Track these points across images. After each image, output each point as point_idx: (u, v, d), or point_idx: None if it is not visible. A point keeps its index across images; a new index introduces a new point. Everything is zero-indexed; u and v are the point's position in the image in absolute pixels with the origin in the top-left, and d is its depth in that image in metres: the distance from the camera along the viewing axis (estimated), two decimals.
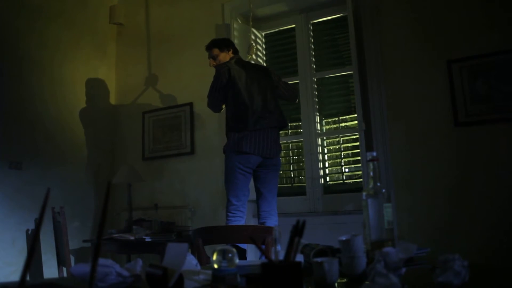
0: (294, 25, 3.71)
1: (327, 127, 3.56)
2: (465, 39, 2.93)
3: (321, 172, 3.43)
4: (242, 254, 2.64)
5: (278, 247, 0.88)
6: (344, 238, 1.01)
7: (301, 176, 3.57)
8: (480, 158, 2.80)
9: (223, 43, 3.01)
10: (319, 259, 0.94)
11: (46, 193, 0.80)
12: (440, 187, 2.90)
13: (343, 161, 3.45)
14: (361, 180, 3.26)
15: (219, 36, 3.79)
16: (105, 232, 3.76)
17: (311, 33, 3.65)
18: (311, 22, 3.66)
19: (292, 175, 3.64)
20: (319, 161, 3.44)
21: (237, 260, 1.01)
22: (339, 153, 3.47)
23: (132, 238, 3.25)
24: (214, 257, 1.00)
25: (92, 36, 4.11)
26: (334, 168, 3.50)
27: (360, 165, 3.28)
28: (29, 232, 3.30)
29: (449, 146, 2.90)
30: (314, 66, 3.58)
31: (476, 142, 2.82)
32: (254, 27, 3.76)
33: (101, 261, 1.09)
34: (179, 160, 3.86)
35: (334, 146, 3.50)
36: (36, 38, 3.57)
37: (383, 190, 1.09)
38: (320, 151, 3.47)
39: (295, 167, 3.64)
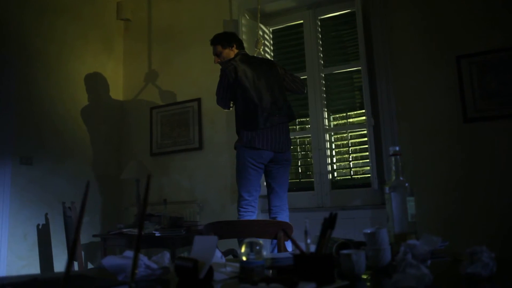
0: (302, 21, 3.72)
1: (335, 122, 3.58)
2: (474, 35, 2.94)
3: (329, 168, 3.45)
4: None
5: (308, 240, 0.90)
6: (368, 231, 1.03)
7: (309, 172, 3.59)
8: (489, 154, 2.82)
9: (226, 40, 2.96)
10: (345, 251, 0.96)
11: (86, 185, 0.82)
12: (448, 183, 2.92)
13: (351, 156, 3.47)
14: (369, 175, 3.28)
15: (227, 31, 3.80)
16: (114, 227, 3.80)
17: (319, 29, 3.65)
18: (319, 18, 3.66)
19: (300, 170, 3.66)
20: (327, 156, 3.46)
21: (264, 253, 1.03)
22: (347, 148, 3.49)
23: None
24: (243, 250, 1.02)
25: (100, 32, 4.12)
26: (341, 163, 3.52)
27: (368, 160, 3.30)
28: (40, 226, 3.33)
29: (458, 142, 2.92)
30: (322, 62, 3.59)
31: (485, 138, 2.84)
32: (262, 23, 3.76)
33: (129, 253, 1.11)
34: (187, 155, 3.88)
35: (342, 142, 3.52)
36: (43, 34, 3.58)
37: (406, 184, 1.11)
38: (328, 146, 3.49)
39: (303, 163, 3.66)
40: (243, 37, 3.66)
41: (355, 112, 3.48)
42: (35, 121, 3.42)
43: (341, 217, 3.49)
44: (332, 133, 3.53)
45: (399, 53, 3.18)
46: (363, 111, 3.35)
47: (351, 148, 3.47)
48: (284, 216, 2.83)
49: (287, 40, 3.82)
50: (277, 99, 2.83)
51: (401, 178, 1.11)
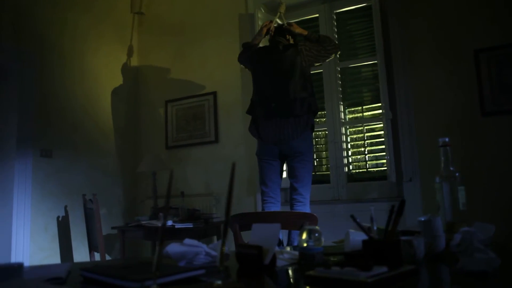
0: (317, 15, 3.74)
1: (350, 116, 3.61)
2: (493, 28, 2.96)
3: (345, 161, 3.49)
4: None
5: (374, 227, 0.94)
6: (423, 219, 1.07)
7: (324, 165, 3.63)
8: (507, 147, 2.85)
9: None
10: (404, 238, 1.00)
11: (170, 175, 0.85)
12: (465, 177, 2.95)
13: (366, 149, 3.51)
14: (385, 168, 3.32)
15: (243, 26, 3.83)
16: (131, 219, 3.84)
17: (335, 23, 3.67)
18: (335, 11, 3.68)
19: (315, 164, 3.70)
20: (343, 149, 3.50)
21: (323, 240, 1.07)
22: (363, 141, 3.52)
23: (160, 224, 3.32)
24: (303, 237, 1.05)
25: (114, 26, 4.13)
26: (358, 156, 3.55)
27: (384, 153, 3.34)
28: (60, 218, 3.37)
29: (476, 136, 2.95)
30: (338, 56, 3.61)
31: (503, 131, 2.87)
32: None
33: (189, 241, 1.15)
34: (203, 148, 3.91)
35: (358, 135, 3.55)
36: (60, 29, 3.58)
37: (457, 174, 1.15)
38: (344, 140, 3.52)
39: (319, 156, 3.70)
40: None
41: (371, 106, 3.51)
42: (54, 114, 3.44)
43: (357, 209, 3.52)
44: (348, 127, 3.56)
45: (417, 47, 3.20)
46: (379, 104, 3.39)
47: (367, 141, 3.50)
48: (300, 209, 2.86)
49: None
50: (284, 94, 2.81)
51: (451, 168, 1.15)
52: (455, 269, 0.85)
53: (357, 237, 1.16)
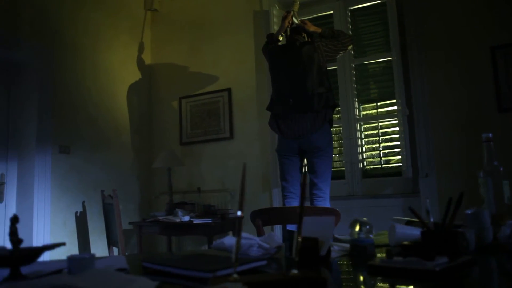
0: (331, 12, 3.76)
1: (364, 112, 3.64)
2: (509, 25, 2.98)
3: (360, 157, 3.52)
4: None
5: (431, 219, 0.97)
6: (469, 212, 1.10)
7: (339, 161, 3.66)
8: None
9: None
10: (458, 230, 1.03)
11: (243, 167, 0.88)
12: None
13: (381, 146, 3.54)
14: (400, 164, 3.36)
15: (257, 23, 3.85)
16: (146, 215, 3.87)
17: (349, 20, 3.69)
18: (349, 8, 3.70)
19: None
20: (358, 146, 3.53)
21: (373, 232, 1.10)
22: (378, 138, 3.55)
23: (177, 220, 3.35)
24: (356, 229, 1.09)
25: (129, 23, 4.15)
26: (372, 152, 3.58)
27: (398, 150, 3.37)
28: (78, 214, 3.40)
29: (492, 132, 2.94)
30: (352, 52, 3.64)
31: None
32: None
33: (242, 234, 1.18)
34: (218, 145, 3.94)
35: (372, 131, 3.58)
36: (78, 26, 3.59)
37: (501, 168, 1.18)
38: (359, 136, 3.56)
39: (334, 152, 3.72)
40: (275, 27, 3.70)
41: (385, 102, 3.54)
42: (70, 110, 3.46)
43: (373, 205, 3.53)
44: (362, 123, 3.59)
45: (432, 43, 3.22)
46: (394, 101, 3.42)
47: (382, 137, 3.54)
48: (320, 204, 2.90)
49: None
50: (302, 90, 2.87)
51: (495, 163, 1.18)
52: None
53: (402, 230, 1.19)
